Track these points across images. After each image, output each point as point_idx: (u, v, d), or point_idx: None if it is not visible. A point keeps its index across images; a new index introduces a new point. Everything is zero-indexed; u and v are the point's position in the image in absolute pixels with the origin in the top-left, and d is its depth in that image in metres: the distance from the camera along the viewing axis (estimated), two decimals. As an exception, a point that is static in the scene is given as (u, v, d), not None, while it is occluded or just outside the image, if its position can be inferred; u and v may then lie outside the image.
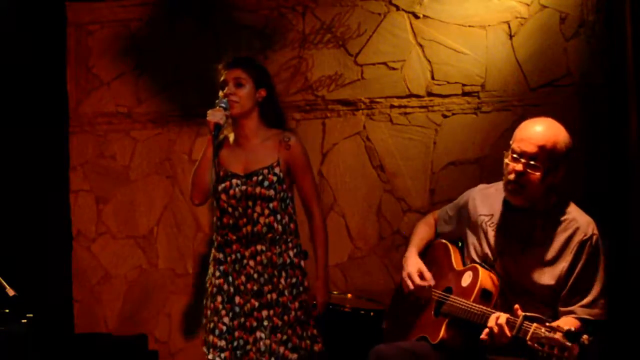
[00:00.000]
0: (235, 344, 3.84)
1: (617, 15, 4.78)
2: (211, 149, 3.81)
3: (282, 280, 3.87)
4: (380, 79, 5.23)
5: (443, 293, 3.44)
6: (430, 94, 5.16)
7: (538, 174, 3.22)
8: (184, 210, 5.49)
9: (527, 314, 2.99)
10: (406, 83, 5.19)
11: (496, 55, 5.06)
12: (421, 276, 3.49)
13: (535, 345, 2.91)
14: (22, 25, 5.41)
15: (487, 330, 3.07)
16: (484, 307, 3.16)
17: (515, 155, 3.28)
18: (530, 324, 2.96)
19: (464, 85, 5.11)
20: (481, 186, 3.62)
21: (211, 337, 3.87)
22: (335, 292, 4.98)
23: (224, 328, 3.85)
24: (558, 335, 2.88)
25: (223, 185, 3.89)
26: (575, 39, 4.94)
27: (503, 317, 3.06)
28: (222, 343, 3.85)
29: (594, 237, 3.22)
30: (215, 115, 3.79)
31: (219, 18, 5.46)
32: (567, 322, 3.09)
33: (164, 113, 5.55)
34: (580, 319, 3.16)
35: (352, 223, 5.27)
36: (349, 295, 4.91)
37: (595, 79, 4.91)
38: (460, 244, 3.57)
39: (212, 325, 3.87)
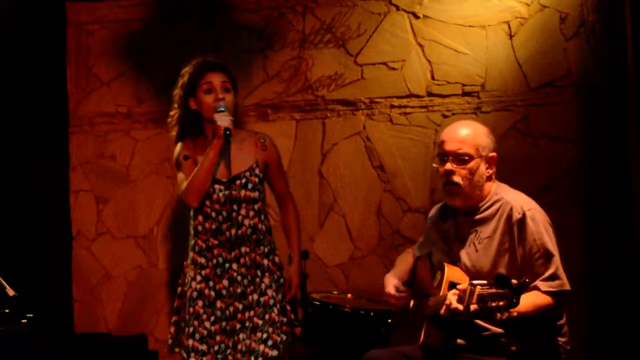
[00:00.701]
0: (216, 348, 3.84)
1: (617, 15, 4.78)
2: (217, 153, 3.81)
3: (265, 280, 3.88)
4: (380, 79, 5.23)
5: (421, 297, 3.46)
6: (430, 94, 5.16)
7: (468, 166, 3.31)
8: (184, 210, 5.48)
9: (473, 281, 3.01)
10: (406, 83, 5.19)
11: (496, 55, 5.06)
12: (398, 290, 3.55)
13: (481, 305, 2.93)
14: (22, 25, 5.41)
15: (444, 307, 3.10)
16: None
17: (442, 158, 3.38)
18: (474, 287, 2.99)
19: (464, 85, 5.11)
20: (436, 205, 3.69)
21: (191, 342, 3.85)
22: (335, 292, 4.98)
23: (205, 332, 3.85)
24: (495, 288, 2.91)
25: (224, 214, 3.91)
26: (575, 39, 4.94)
27: (453, 292, 3.11)
28: (204, 347, 3.84)
29: (529, 212, 3.25)
30: (225, 120, 3.81)
31: (219, 18, 5.46)
32: (531, 296, 3.10)
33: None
34: (545, 292, 3.18)
35: (352, 223, 5.27)
36: (349, 295, 4.91)
37: (595, 79, 4.91)
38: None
39: (192, 329, 3.87)
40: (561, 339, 3.29)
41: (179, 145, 4.00)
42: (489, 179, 3.37)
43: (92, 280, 5.62)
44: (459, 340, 3.27)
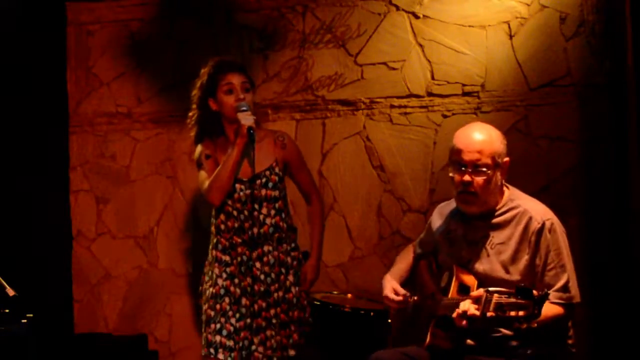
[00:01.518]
0: (241, 344, 3.88)
1: (617, 15, 4.78)
2: (240, 151, 3.86)
3: (290, 277, 3.96)
4: (380, 79, 5.23)
5: (426, 296, 3.45)
6: (430, 94, 5.16)
7: (485, 177, 3.26)
8: (184, 210, 5.49)
9: (490, 288, 3.00)
10: (406, 83, 5.19)
11: (496, 55, 5.05)
12: (396, 293, 3.52)
13: (499, 313, 2.93)
14: (22, 25, 5.41)
15: (458, 311, 3.09)
16: (461, 298, 3.18)
17: (459, 167, 3.32)
18: (491, 295, 2.98)
19: (464, 85, 5.11)
20: (440, 205, 3.65)
21: (219, 338, 3.90)
22: (335, 292, 4.98)
23: (232, 329, 3.89)
24: (515, 298, 2.91)
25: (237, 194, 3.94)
26: (575, 39, 4.94)
27: (472, 295, 3.09)
28: (231, 343, 3.89)
29: (547, 223, 3.23)
30: (248, 119, 3.87)
31: (219, 18, 5.46)
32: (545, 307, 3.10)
33: (164, 113, 5.55)
34: (554, 303, 3.17)
35: (352, 223, 5.27)
36: (349, 295, 4.92)
37: (595, 79, 4.91)
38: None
39: (219, 326, 3.90)
40: (568, 341, 3.29)
41: (199, 146, 4.02)
42: (502, 183, 3.35)
43: (92, 280, 5.61)
44: (468, 341, 3.26)
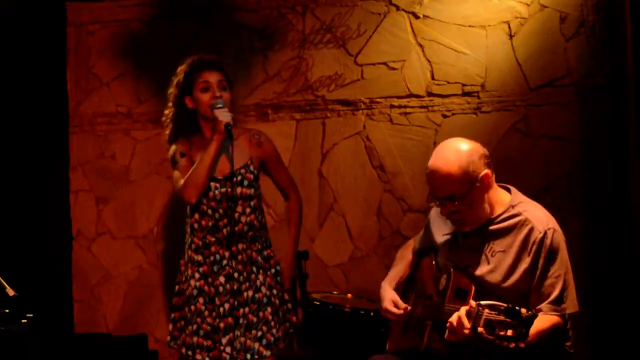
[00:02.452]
0: (217, 344, 3.87)
1: (617, 15, 4.78)
2: (216, 148, 3.83)
3: (260, 277, 3.92)
4: (380, 79, 5.23)
5: (423, 299, 3.44)
6: (430, 94, 5.16)
7: (462, 204, 3.19)
8: (184, 210, 5.48)
9: (482, 302, 2.98)
10: (406, 83, 5.19)
11: (496, 55, 5.06)
12: (396, 306, 3.47)
13: (489, 330, 2.91)
14: (22, 25, 5.41)
15: (448, 324, 3.08)
16: (457, 306, 3.16)
17: (435, 200, 3.29)
18: (482, 310, 2.96)
19: (464, 85, 5.11)
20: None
21: (195, 338, 3.89)
22: (335, 292, 4.98)
23: (209, 328, 3.87)
24: (504, 316, 2.89)
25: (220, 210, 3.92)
26: (575, 39, 4.94)
27: (463, 310, 3.06)
28: (209, 342, 3.87)
29: (549, 232, 3.17)
30: (225, 115, 3.84)
31: (219, 18, 5.46)
32: (536, 322, 3.07)
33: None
34: (549, 314, 3.15)
35: (352, 223, 5.27)
36: (349, 295, 4.91)
37: (595, 79, 4.91)
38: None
39: (195, 326, 3.89)
40: (566, 343, 3.29)
41: (174, 144, 3.99)
42: (490, 191, 3.25)
43: (92, 280, 5.62)
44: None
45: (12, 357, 3.95)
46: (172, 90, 4.02)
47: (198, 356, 3.88)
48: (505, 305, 2.92)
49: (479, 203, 3.21)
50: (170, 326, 4.03)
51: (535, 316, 2.89)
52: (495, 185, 3.29)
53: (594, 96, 4.92)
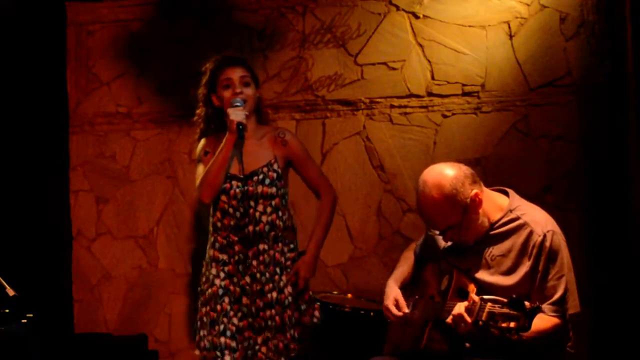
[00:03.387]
0: (245, 344, 3.84)
1: (617, 15, 4.78)
2: (230, 148, 3.80)
3: (284, 278, 3.88)
4: (380, 79, 5.23)
5: (425, 299, 3.44)
6: (430, 94, 5.16)
7: (460, 229, 3.22)
8: (184, 210, 5.49)
9: (485, 296, 2.99)
10: (406, 83, 5.19)
11: (496, 55, 5.06)
12: (397, 305, 3.47)
13: (491, 323, 2.92)
14: (22, 25, 5.41)
15: (450, 317, 3.08)
16: (458, 302, 3.17)
17: (436, 233, 3.33)
18: (485, 303, 2.97)
19: (464, 85, 5.11)
20: None
21: (223, 339, 3.84)
22: (335, 292, 4.98)
23: (234, 329, 3.85)
24: (507, 308, 2.89)
25: (222, 186, 3.88)
26: (575, 39, 4.94)
27: (463, 305, 3.07)
28: (234, 344, 3.84)
29: (548, 235, 3.17)
30: (238, 115, 3.80)
31: (219, 18, 5.46)
32: (536, 321, 3.08)
33: (164, 113, 5.55)
34: (552, 316, 3.15)
35: (352, 223, 5.27)
36: (349, 295, 4.91)
37: (595, 79, 4.91)
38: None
39: (222, 327, 3.85)
40: (567, 344, 3.29)
41: (202, 141, 3.98)
42: (484, 204, 3.25)
43: (92, 280, 5.61)
44: (466, 344, 3.25)
45: (12, 357, 3.95)
46: (200, 90, 4.01)
47: (227, 357, 3.84)
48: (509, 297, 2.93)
49: (475, 221, 3.23)
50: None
51: (539, 308, 2.90)
52: (489, 192, 3.31)
53: (594, 96, 4.92)
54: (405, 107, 5.20)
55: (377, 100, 5.24)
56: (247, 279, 3.86)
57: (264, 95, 5.34)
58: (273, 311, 3.84)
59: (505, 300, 2.93)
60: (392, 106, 5.22)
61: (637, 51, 4.43)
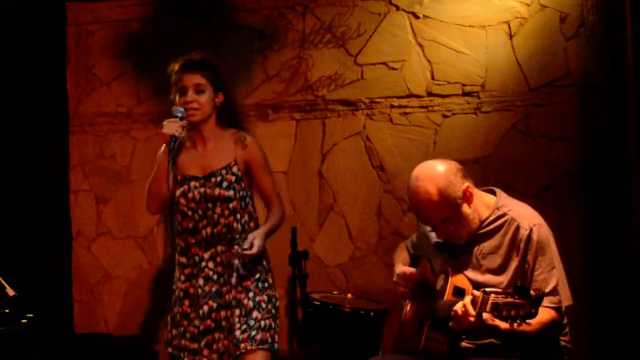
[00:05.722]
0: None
1: (617, 15, 4.78)
2: (167, 160, 3.75)
3: (243, 281, 3.83)
4: (380, 79, 5.23)
5: (421, 299, 3.45)
6: (430, 94, 5.16)
7: (452, 224, 3.26)
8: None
9: (487, 289, 3.00)
10: (406, 83, 5.19)
11: (496, 55, 5.06)
12: (404, 275, 3.52)
13: (496, 313, 2.93)
14: (22, 25, 5.41)
15: (453, 311, 3.09)
16: (457, 299, 3.18)
17: (429, 229, 3.38)
18: (488, 295, 2.98)
19: (464, 85, 5.11)
20: None
21: (183, 341, 3.86)
22: (335, 292, 4.98)
23: (195, 331, 3.84)
24: (512, 297, 2.90)
25: (181, 189, 3.85)
26: (575, 39, 4.94)
27: (467, 298, 3.09)
28: (195, 345, 3.84)
29: (535, 228, 3.20)
30: (171, 127, 3.75)
31: (219, 18, 5.46)
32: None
33: (164, 113, 5.51)
34: (545, 307, 3.16)
35: (352, 223, 5.27)
36: (349, 295, 4.92)
37: (595, 79, 4.91)
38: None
39: (182, 329, 3.87)
40: (563, 339, 3.29)
41: (163, 146, 3.89)
42: (474, 200, 3.28)
43: (92, 280, 5.61)
44: (465, 344, 3.26)
45: (12, 357, 3.95)
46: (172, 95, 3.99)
47: (186, 359, 3.86)
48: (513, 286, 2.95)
49: (468, 216, 3.26)
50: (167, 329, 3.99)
51: (544, 294, 2.91)
52: (478, 191, 3.34)
53: (594, 96, 4.92)
54: (405, 107, 5.20)
55: (377, 100, 5.24)
56: (200, 281, 3.84)
57: (264, 96, 5.38)
58: (229, 312, 3.81)
59: (507, 291, 2.94)
60: (392, 106, 5.22)
61: (637, 51, 4.43)
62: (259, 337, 3.75)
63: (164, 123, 3.78)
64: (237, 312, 3.80)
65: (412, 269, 3.52)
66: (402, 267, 3.58)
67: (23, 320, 3.99)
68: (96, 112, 5.65)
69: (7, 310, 3.94)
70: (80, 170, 5.66)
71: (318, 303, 4.50)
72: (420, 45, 5.18)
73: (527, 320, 2.90)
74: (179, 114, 3.79)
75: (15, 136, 5.35)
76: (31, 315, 4.01)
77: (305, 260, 4.26)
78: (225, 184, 3.83)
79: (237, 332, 3.77)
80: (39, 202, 5.43)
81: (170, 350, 3.95)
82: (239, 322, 3.79)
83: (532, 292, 2.89)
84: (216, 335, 3.82)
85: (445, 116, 5.14)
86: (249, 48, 5.39)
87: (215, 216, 3.83)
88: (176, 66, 3.91)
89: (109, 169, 5.63)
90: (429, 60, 5.16)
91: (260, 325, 3.78)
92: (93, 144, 5.65)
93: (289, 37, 5.37)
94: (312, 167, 5.32)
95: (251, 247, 3.72)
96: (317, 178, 5.29)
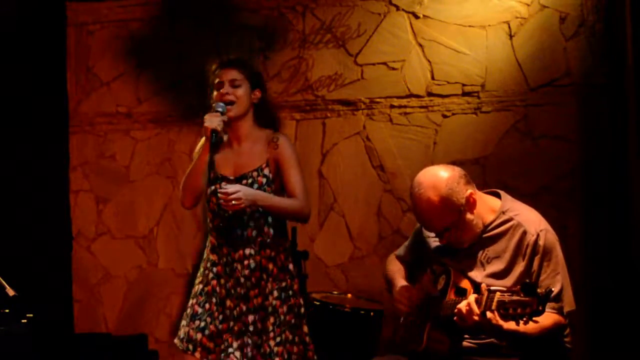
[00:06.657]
0: (222, 347, 3.82)
1: (617, 15, 4.78)
2: (207, 154, 3.74)
3: (269, 285, 3.81)
4: (380, 79, 5.23)
5: (422, 299, 3.44)
6: (430, 94, 5.16)
7: (456, 230, 3.24)
8: (184, 210, 5.48)
9: (492, 287, 3.00)
10: (406, 83, 5.19)
11: (496, 55, 5.06)
12: (408, 296, 3.47)
13: (502, 311, 2.92)
14: (22, 25, 5.41)
15: (457, 309, 3.08)
16: (461, 298, 3.17)
17: (432, 237, 3.36)
18: (493, 293, 2.97)
19: (464, 85, 5.11)
20: None
21: (200, 336, 3.83)
22: (335, 292, 4.98)
23: (215, 330, 3.83)
24: (518, 295, 2.89)
25: (213, 187, 3.85)
26: (575, 39, 4.94)
27: (472, 297, 3.08)
28: (211, 345, 3.82)
29: (542, 234, 3.19)
30: (212, 121, 3.72)
31: (219, 18, 5.46)
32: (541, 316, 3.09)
33: (164, 113, 5.55)
34: (548, 312, 3.16)
35: (352, 223, 5.27)
36: (349, 295, 4.91)
37: (595, 79, 4.91)
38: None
39: (203, 324, 3.85)
40: (564, 340, 3.29)
41: (202, 140, 3.87)
42: (478, 205, 3.26)
43: (92, 280, 5.62)
44: (466, 343, 3.25)
45: (12, 357, 3.95)
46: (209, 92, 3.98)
47: (197, 354, 3.84)
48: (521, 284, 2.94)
49: (471, 222, 3.24)
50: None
51: (551, 291, 2.91)
52: (482, 195, 3.32)
53: (594, 96, 4.92)
54: (405, 107, 5.20)
55: (377, 100, 5.24)
56: (232, 282, 3.83)
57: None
58: (256, 316, 3.79)
59: (512, 289, 2.94)
60: (392, 106, 5.22)
61: (637, 51, 4.43)
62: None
63: (205, 117, 3.74)
64: (272, 319, 3.79)
65: (414, 290, 3.46)
66: (402, 282, 3.52)
67: (23, 320, 3.99)
68: (96, 112, 5.65)
69: (7, 310, 3.94)
70: (80, 171, 5.67)
71: (318, 303, 4.50)
72: (420, 45, 5.18)
73: (534, 318, 2.89)
74: (220, 109, 3.77)
75: (15, 136, 5.35)
76: (31, 315, 4.01)
77: (305, 260, 4.27)
78: (255, 186, 3.79)
79: (272, 342, 3.77)
80: (39, 202, 5.43)
81: (177, 342, 3.91)
82: (273, 330, 3.78)
83: (538, 289, 2.89)
84: (246, 339, 3.79)
85: (445, 116, 5.14)
86: (249, 48, 5.39)
87: (245, 218, 3.81)
88: (213, 66, 3.91)
89: (109, 169, 5.63)
90: (429, 60, 5.16)
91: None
92: (93, 144, 5.65)
93: (289, 37, 5.37)
94: (312, 167, 5.32)
95: (234, 193, 3.65)
96: (317, 178, 5.29)
